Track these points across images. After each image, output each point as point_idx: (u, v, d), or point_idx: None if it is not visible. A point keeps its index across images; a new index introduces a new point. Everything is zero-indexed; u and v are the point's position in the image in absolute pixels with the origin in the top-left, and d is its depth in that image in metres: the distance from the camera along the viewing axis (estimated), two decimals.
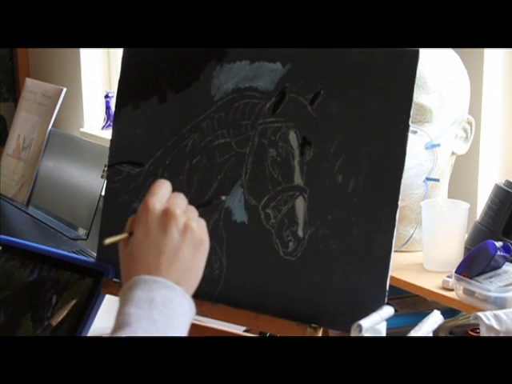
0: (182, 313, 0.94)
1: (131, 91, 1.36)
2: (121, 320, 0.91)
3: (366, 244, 1.14)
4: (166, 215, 0.97)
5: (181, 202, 0.99)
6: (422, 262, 1.51)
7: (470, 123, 1.57)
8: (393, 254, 1.13)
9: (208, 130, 1.27)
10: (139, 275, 0.94)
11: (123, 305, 0.92)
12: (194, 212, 1.00)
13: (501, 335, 1.13)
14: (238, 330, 1.36)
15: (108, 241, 0.98)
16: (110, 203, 1.37)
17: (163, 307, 0.92)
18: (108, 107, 3.00)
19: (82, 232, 2.33)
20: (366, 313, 1.09)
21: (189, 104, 1.30)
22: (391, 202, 1.13)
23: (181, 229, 0.97)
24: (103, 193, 1.74)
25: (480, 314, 1.14)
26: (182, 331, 0.93)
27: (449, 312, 1.45)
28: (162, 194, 0.99)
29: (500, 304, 1.29)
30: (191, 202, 1.02)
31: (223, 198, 1.24)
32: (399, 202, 1.13)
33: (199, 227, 0.99)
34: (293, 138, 1.20)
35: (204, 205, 1.24)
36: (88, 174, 2.37)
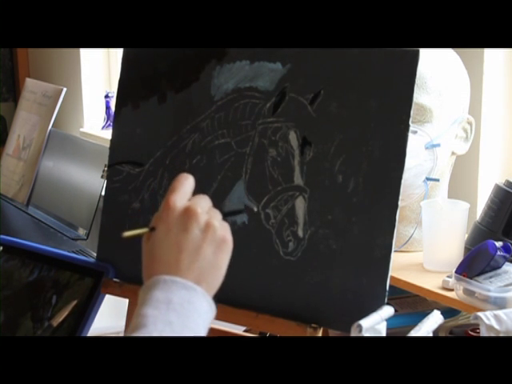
0: (202, 313, 0.92)
1: (131, 91, 1.36)
2: (137, 321, 0.89)
3: (366, 244, 1.14)
4: (187, 213, 0.94)
5: (204, 203, 0.97)
6: (422, 262, 1.51)
7: (470, 123, 1.57)
8: (393, 254, 1.13)
9: (208, 129, 1.27)
10: (159, 275, 0.92)
11: (141, 305, 0.91)
12: (217, 213, 0.97)
13: (501, 335, 1.13)
14: (238, 329, 1.36)
15: (127, 233, 0.97)
16: (110, 203, 1.37)
17: (181, 308, 0.90)
18: (108, 107, 2.99)
19: (82, 232, 2.32)
20: (365, 313, 1.09)
21: (189, 104, 1.30)
22: (391, 202, 1.13)
23: (202, 226, 0.94)
24: (103, 193, 1.74)
25: (480, 314, 1.14)
26: (199, 332, 0.91)
27: (449, 312, 1.45)
28: (184, 190, 0.97)
29: (500, 304, 1.29)
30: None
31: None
32: (399, 202, 1.13)
33: (222, 226, 0.96)
34: (293, 137, 1.20)
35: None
36: (88, 174, 2.37)
